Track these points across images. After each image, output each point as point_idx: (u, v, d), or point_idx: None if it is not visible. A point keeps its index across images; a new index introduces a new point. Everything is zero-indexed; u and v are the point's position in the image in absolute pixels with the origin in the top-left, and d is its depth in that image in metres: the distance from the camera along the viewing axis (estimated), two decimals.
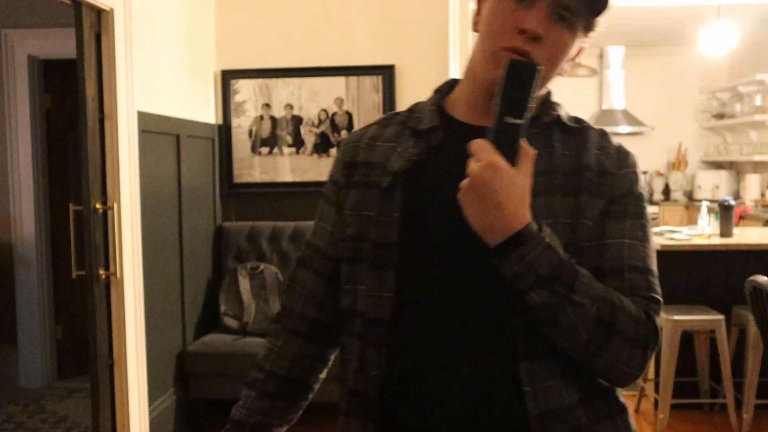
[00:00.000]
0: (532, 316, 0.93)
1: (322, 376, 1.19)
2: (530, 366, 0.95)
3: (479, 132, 0.94)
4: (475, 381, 0.97)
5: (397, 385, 1.01)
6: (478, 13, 1.04)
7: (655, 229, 4.40)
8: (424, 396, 1.00)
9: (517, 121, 0.88)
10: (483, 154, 0.88)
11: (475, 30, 1.04)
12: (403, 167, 1.02)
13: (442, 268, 1.00)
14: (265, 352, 1.16)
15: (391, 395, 1.01)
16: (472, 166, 0.88)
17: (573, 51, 1.01)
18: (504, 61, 0.91)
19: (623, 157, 1.03)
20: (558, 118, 1.05)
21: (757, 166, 7.11)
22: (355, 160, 1.09)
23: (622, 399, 1.04)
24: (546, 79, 1.01)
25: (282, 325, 1.16)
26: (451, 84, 1.10)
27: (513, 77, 0.89)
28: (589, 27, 1.00)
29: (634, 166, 1.03)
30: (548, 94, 1.08)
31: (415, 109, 1.10)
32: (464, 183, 0.89)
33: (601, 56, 8.05)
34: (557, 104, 1.08)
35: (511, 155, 0.88)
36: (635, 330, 0.93)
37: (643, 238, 1.01)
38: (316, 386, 1.19)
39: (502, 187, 0.88)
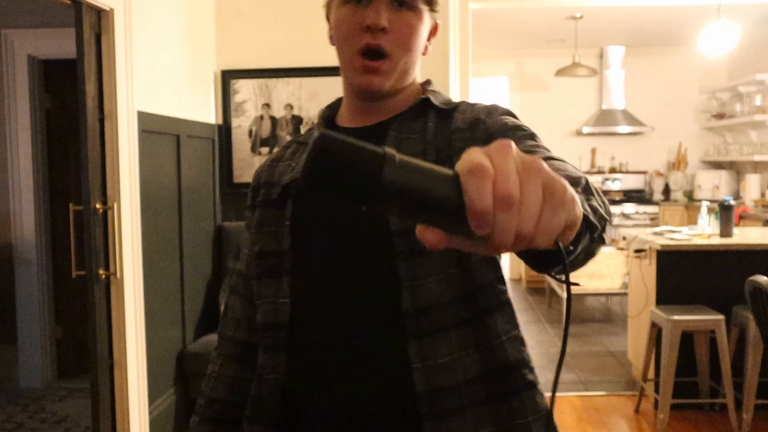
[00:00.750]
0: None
1: None
2: (420, 344, 0.96)
3: (360, 133, 1.03)
4: (367, 367, 0.99)
5: (296, 386, 1.03)
6: (330, 27, 1.09)
7: (655, 229, 4.40)
8: (321, 391, 1.01)
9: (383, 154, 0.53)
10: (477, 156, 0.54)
11: (332, 44, 1.09)
12: (291, 179, 1.07)
13: (331, 269, 1.02)
14: (206, 379, 1.21)
15: (292, 397, 1.04)
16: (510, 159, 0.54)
17: (426, 29, 1.06)
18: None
19: (492, 107, 1.06)
20: (428, 100, 1.08)
21: (757, 166, 7.10)
22: (259, 183, 1.15)
23: (531, 376, 1.02)
24: (408, 63, 1.05)
25: (217, 351, 1.21)
26: (341, 99, 1.15)
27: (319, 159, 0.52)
28: (430, 2, 1.05)
29: (506, 113, 1.05)
30: (427, 82, 1.13)
31: (313, 128, 1.17)
32: (531, 166, 0.54)
33: (601, 56, 8.05)
34: (431, 91, 1.11)
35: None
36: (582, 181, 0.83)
37: (538, 143, 0.97)
38: None
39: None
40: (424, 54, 1.07)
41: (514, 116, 1.05)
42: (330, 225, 1.03)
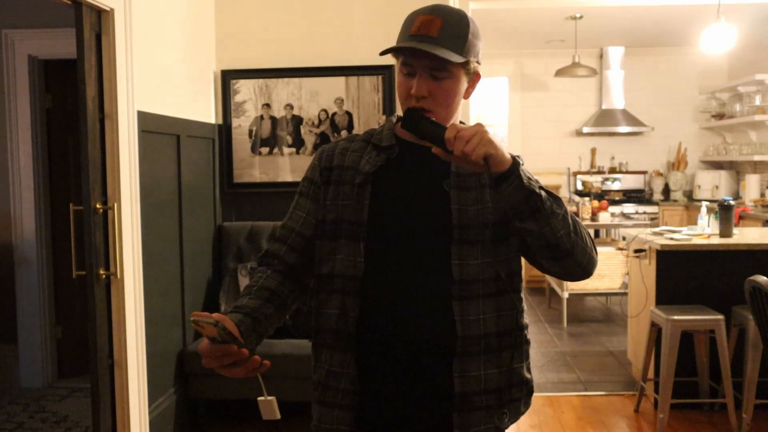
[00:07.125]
0: (537, 220, 1.29)
1: (293, 307, 1.51)
2: (460, 304, 1.38)
3: (423, 149, 1.37)
4: (422, 316, 1.38)
5: (368, 323, 1.39)
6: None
7: (655, 229, 4.40)
8: (387, 330, 1.39)
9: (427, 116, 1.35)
10: (461, 129, 1.24)
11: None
12: (371, 169, 1.44)
13: (398, 240, 1.40)
14: (254, 280, 1.48)
15: (364, 332, 1.40)
16: (473, 128, 1.24)
17: (463, 85, 1.39)
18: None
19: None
20: None
21: (757, 166, 7.11)
22: (331, 164, 1.48)
23: (528, 336, 1.49)
24: (447, 114, 1.39)
25: (265, 265, 1.50)
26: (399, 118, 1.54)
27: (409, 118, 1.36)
28: (467, 65, 1.37)
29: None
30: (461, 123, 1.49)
31: (372, 132, 1.52)
32: (477, 130, 1.23)
33: (601, 56, 8.05)
34: None
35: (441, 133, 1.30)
36: (587, 239, 1.37)
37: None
38: (290, 309, 1.50)
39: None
40: (466, 98, 1.42)
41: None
42: (403, 210, 1.41)
